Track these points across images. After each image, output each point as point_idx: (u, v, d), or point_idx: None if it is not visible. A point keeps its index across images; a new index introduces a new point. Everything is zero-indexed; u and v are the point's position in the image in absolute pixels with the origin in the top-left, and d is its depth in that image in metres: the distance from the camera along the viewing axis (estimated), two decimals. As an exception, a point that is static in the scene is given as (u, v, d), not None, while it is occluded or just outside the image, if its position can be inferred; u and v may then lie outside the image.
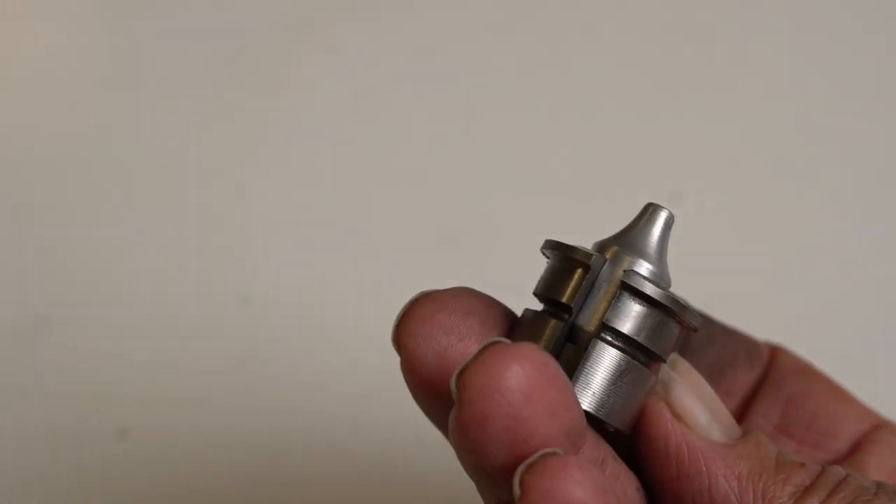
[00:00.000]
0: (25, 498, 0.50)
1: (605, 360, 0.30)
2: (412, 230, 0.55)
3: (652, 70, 0.58)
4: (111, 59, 0.58)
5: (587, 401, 0.30)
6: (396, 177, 0.56)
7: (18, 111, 0.57)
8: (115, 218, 0.55)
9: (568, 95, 0.57)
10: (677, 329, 0.31)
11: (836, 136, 0.57)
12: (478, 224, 0.55)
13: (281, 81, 0.57)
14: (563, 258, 0.31)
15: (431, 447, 0.51)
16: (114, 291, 0.53)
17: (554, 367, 0.27)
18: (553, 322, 0.30)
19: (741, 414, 0.36)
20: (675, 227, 0.31)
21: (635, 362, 0.30)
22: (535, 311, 0.31)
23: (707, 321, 0.36)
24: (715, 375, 0.36)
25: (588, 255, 0.30)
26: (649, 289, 0.30)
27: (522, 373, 0.27)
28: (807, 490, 0.30)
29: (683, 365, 0.31)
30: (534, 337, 0.30)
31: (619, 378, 0.30)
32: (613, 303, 0.30)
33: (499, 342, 0.27)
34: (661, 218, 0.31)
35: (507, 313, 0.31)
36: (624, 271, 0.30)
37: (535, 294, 0.31)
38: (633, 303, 0.30)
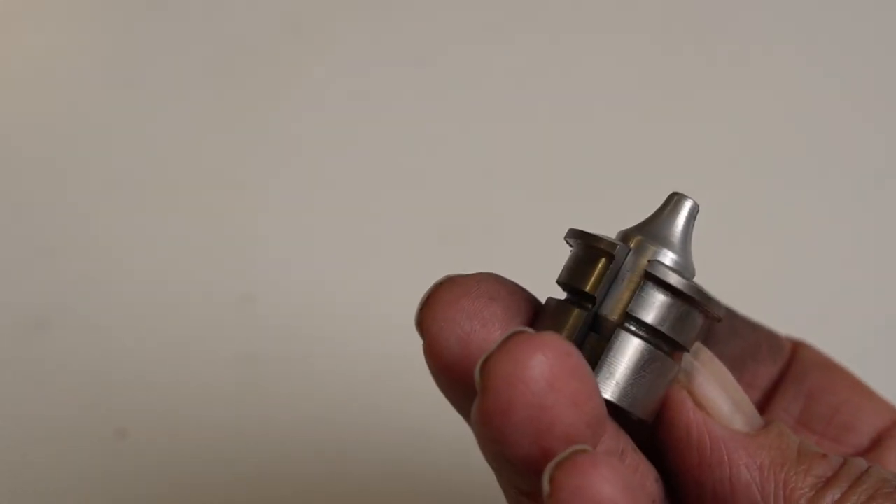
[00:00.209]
0: (25, 498, 0.50)
1: (629, 350, 0.30)
2: (413, 229, 0.55)
3: (653, 68, 0.58)
4: (111, 59, 0.58)
5: (610, 391, 0.30)
6: (397, 176, 0.56)
7: (18, 111, 0.57)
8: (115, 218, 0.55)
9: (569, 95, 0.57)
10: (701, 319, 0.31)
11: (840, 134, 0.57)
12: (478, 223, 0.55)
13: (282, 81, 0.57)
14: (587, 247, 0.31)
15: (432, 446, 0.51)
16: (114, 291, 0.53)
17: (577, 357, 0.28)
18: (576, 311, 0.30)
19: (762, 407, 0.36)
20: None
21: (658, 352, 0.30)
22: (559, 300, 0.31)
23: (730, 314, 0.36)
24: (737, 368, 0.36)
25: (612, 244, 0.30)
26: (673, 279, 0.30)
27: (546, 362, 0.27)
28: (828, 481, 0.30)
29: (706, 354, 0.31)
30: (557, 326, 0.30)
31: (642, 368, 0.30)
32: (637, 292, 0.30)
33: (523, 331, 0.27)
34: (686, 207, 0.31)
35: (531, 300, 0.31)
36: (648, 261, 0.30)
37: (559, 283, 0.31)
38: (657, 293, 0.30)
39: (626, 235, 0.31)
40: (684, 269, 0.31)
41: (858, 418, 0.35)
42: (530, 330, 0.28)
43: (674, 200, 0.31)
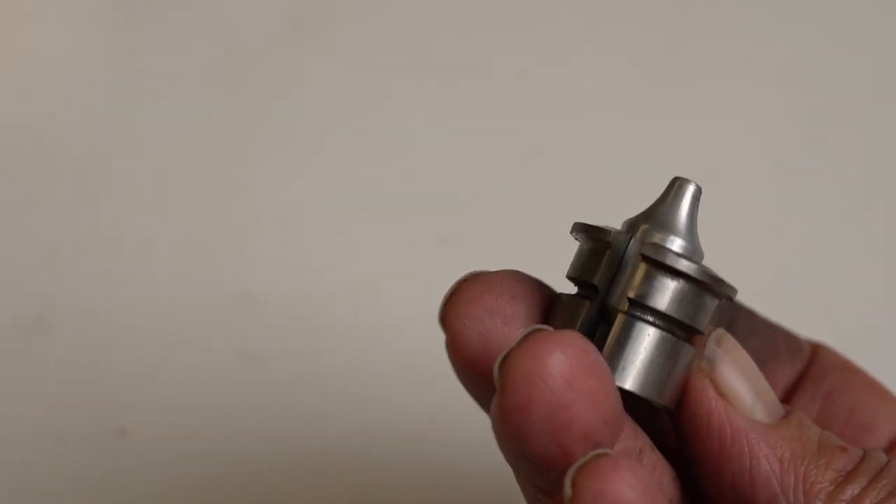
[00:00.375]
0: (25, 498, 0.50)
1: (635, 336, 0.30)
2: (412, 229, 0.55)
3: (654, 67, 0.58)
4: (110, 58, 0.58)
5: (620, 378, 0.30)
6: (397, 176, 0.56)
7: (18, 111, 0.57)
8: (115, 218, 0.55)
9: (570, 95, 0.57)
10: (709, 300, 0.31)
11: (845, 132, 0.57)
12: (479, 223, 0.55)
13: (281, 81, 0.57)
14: (588, 239, 0.31)
15: (433, 444, 0.51)
16: (114, 291, 0.53)
17: (595, 355, 0.28)
18: (584, 304, 0.31)
19: None
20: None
21: (668, 335, 0.30)
22: (569, 295, 0.31)
23: (750, 315, 0.37)
24: None
25: (608, 232, 0.30)
26: (670, 259, 0.30)
27: (565, 360, 0.27)
28: (848, 476, 0.30)
29: (729, 341, 0.31)
30: (566, 320, 0.31)
31: (651, 352, 0.30)
32: (637, 277, 0.30)
33: (542, 329, 0.28)
34: (689, 191, 0.31)
35: (554, 298, 0.31)
36: (643, 244, 0.30)
37: (567, 277, 0.32)
38: (657, 275, 0.30)
39: (631, 224, 0.31)
40: (692, 252, 0.31)
41: (876, 419, 0.35)
42: (549, 328, 0.28)
43: (676, 185, 0.31)
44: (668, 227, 0.31)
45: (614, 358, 0.30)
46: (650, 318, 0.30)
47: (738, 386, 0.30)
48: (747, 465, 0.29)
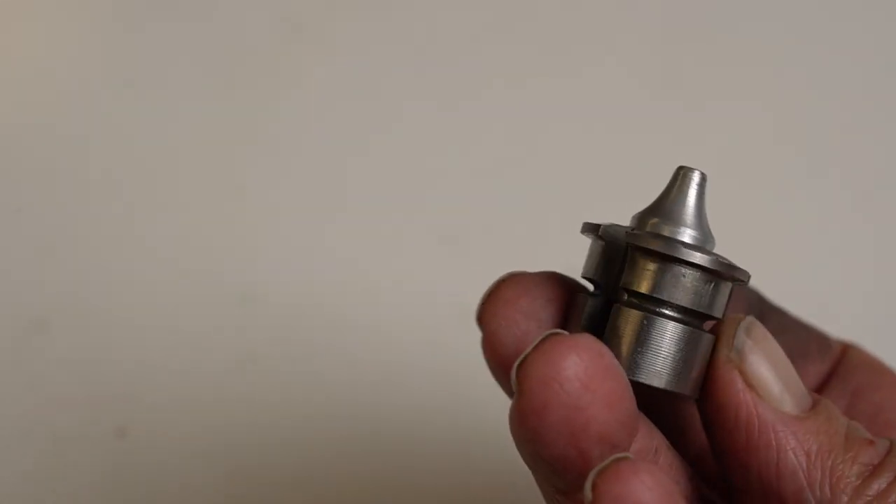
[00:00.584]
0: (25, 498, 0.50)
1: (632, 325, 0.30)
2: (412, 229, 0.55)
3: (654, 68, 0.58)
4: (110, 58, 0.58)
5: (636, 372, 0.30)
6: (396, 176, 0.56)
7: (18, 111, 0.57)
8: (115, 218, 0.55)
9: (571, 95, 0.57)
10: (724, 285, 0.31)
11: (845, 133, 0.57)
12: (479, 224, 0.55)
13: (281, 80, 0.57)
14: (599, 238, 0.31)
15: (432, 446, 0.51)
16: (114, 291, 0.53)
17: (609, 357, 0.28)
18: (589, 300, 0.31)
19: None
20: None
21: (681, 325, 0.30)
22: (582, 294, 0.31)
23: (780, 313, 0.37)
24: None
25: (597, 226, 0.31)
26: (655, 244, 0.30)
27: (580, 363, 0.28)
28: (875, 469, 0.30)
29: (759, 331, 0.31)
30: (574, 318, 0.31)
31: (655, 341, 0.30)
32: (629, 267, 0.30)
33: (557, 333, 0.28)
34: (694, 180, 0.31)
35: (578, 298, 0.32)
36: (626, 233, 0.30)
37: (582, 276, 0.32)
38: (647, 262, 0.30)
39: (640, 219, 0.31)
40: (703, 241, 0.31)
41: None
42: (564, 332, 0.28)
43: (681, 175, 0.31)
44: (677, 219, 0.31)
45: (632, 353, 0.30)
46: (648, 306, 0.30)
47: (766, 376, 0.30)
48: (774, 458, 0.29)
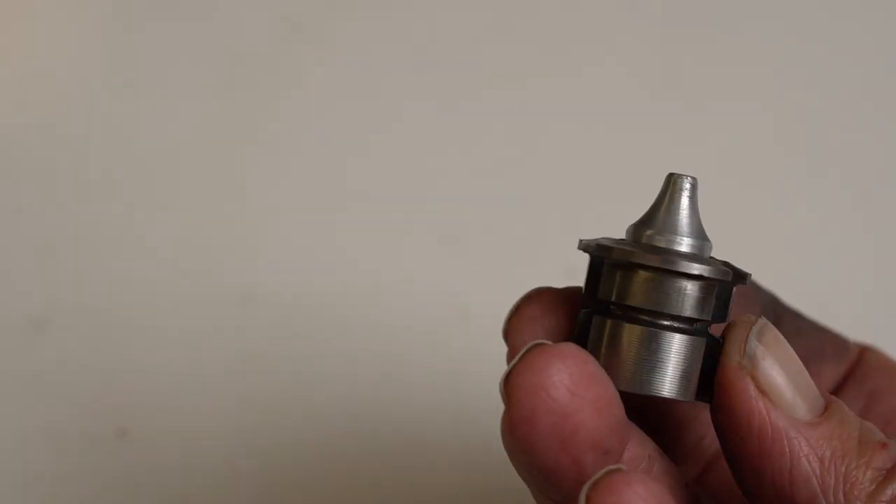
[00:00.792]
0: (25, 498, 0.50)
1: (613, 335, 0.30)
2: (412, 230, 0.55)
3: (654, 68, 0.58)
4: (110, 58, 0.58)
5: (615, 380, 0.30)
6: (396, 176, 0.56)
7: (18, 111, 0.57)
8: (115, 217, 0.55)
9: (571, 95, 0.57)
10: (715, 287, 0.31)
11: (846, 133, 0.57)
12: (478, 224, 0.55)
13: (281, 80, 0.57)
14: (593, 255, 0.31)
15: (433, 446, 0.51)
16: (114, 291, 0.53)
17: (594, 365, 0.29)
18: (581, 316, 0.31)
19: None
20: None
21: (650, 329, 0.30)
22: (582, 311, 0.32)
23: (796, 315, 0.37)
24: None
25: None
26: (616, 253, 0.30)
27: (565, 370, 0.28)
28: (888, 474, 0.30)
29: (770, 335, 0.31)
30: (579, 336, 0.31)
31: (637, 349, 0.30)
32: (607, 280, 0.31)
33: (542, 343, 0.29)
34: (686, 187, 0.31)
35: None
36: (596, 245, 0.31)
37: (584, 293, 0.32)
38: (615, 272, 0.31)
39: (635, 231, 0.31)
40: (700, 248, 0.31)
41: None
42: (549, 342, 0.29)
43: (671, 181, 0.31)
44: (672, 228, 0.31)
45: (632, 366, 0.30)
46: (630, 315, 0.30)
47: (779, 382, 0.30)
48: (787, 465, 0.29)
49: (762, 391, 0.30)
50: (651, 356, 0.30)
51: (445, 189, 0.56)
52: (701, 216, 0.31)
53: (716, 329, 0.31)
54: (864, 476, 0.29)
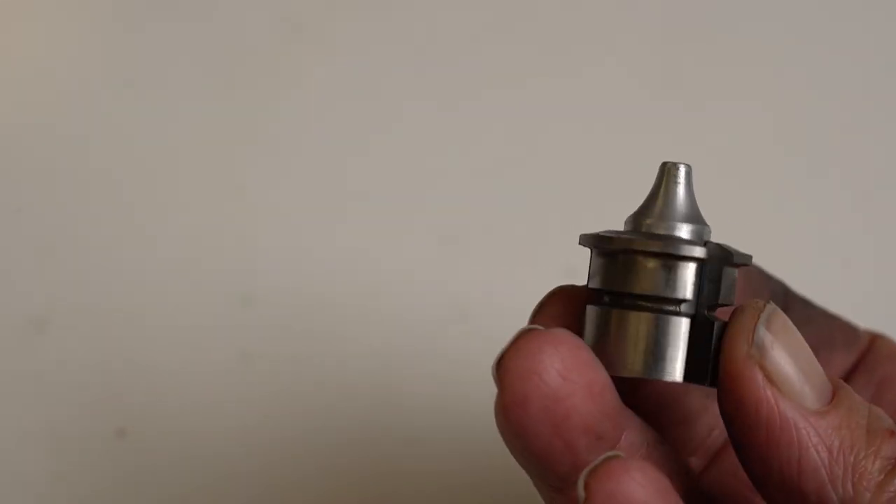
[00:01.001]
0: (25, 498, 0.50)
1: (596, 320, 0.31)
2: (412, 230, 0.55)
3: (654, 68, 0.58)
4: (110, 58, 0.58)
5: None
6: (397, 176, 0.56)
7: (18, 111, 0.57)
8: (115, 218, 0.55)
9: (571, 95, 0.57)
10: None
11: (846, 133, 0.57)
12: (478, 224, 0.55)
13: (281, 80, 0.57)
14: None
15: (432, 446, 0.51)
16: (114, 291, 0.53)
17: (587, 351, 0.29)
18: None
19: None
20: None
21: (622, 311, 0.30)
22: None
23: (805, 303, 0.37)
24: None
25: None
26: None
27: (557, 354, 0.28)
28: None
29: (779, 321, 0.30)
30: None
31: (613, 330, 0.30)
32: (594, 270, 0.31)
33: (533, 329, 0.29)
34: (681, 174, 0.31)
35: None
36: (581, 236, 0.31)
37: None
38: (597, 258, 0.31)
39: (634, 221, 0.31)
40: (700, 233, 0.31)
41: None
42: (540, 327, 0.29)
43: (667, 170, 0.32)
44: (670, 216, 0.31)
45: (615, 348, 0.30)
46: (609, 300, 0.31)
47: (787, 370, 0.30)
48: (796, 455, 0.29)
49: (770, 380, 0.29)
50: (629, 338, 0.30)
51: (445, 189, 0.56)
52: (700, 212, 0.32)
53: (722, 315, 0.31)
54: (873, 466, 0.29)
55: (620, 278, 0.30)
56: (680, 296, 0.30)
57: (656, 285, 0.30)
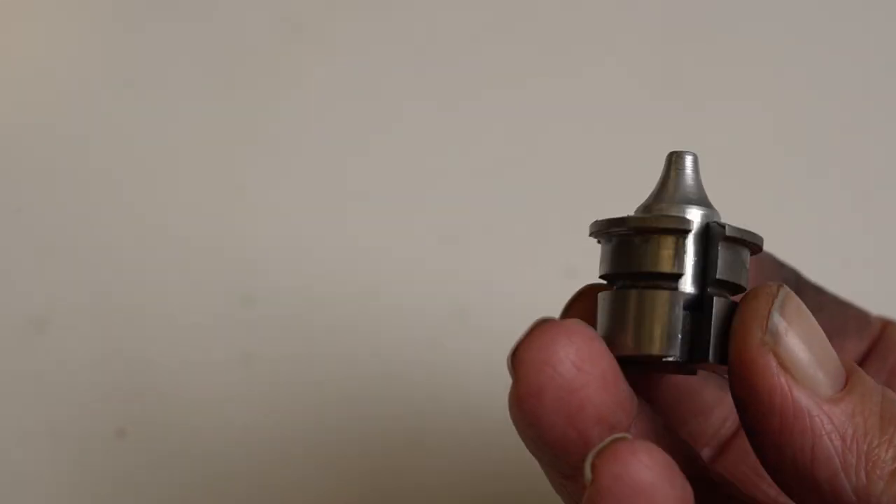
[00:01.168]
0: (25, 498, 0.50)
1: (599, 306, 0.31)
2: (412, 230, 0.55)
3: (654, 68, 0.58)
4: (110, 58, 0.58)
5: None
6: (397, 176, 0.56)
7: (18, 111, 0.57)
8: (115, 218, 0.55)
9: (571, 95, 0.57)
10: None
11: (847, 133, 0.57)
12: (478, 224, 0.55)
13: (281, 80, 0.57)
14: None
15: (432, 446, 0.51)
16: (114, 291, 0.53)
17: (600, 341, 0.29)
18: (616, 293, 0.31)
19: None
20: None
21: (619, 291, 0.31)
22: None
23: (817, 290, 0.37)
24: None
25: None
26: (595, 226, 0.31)
27: (571, 345, 0.28)
28: None
29: (793, 305, 0.30)
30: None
31: (614, 311, 0.31)
32: (602, 254, 0.31)
33: (547, 320, 0.29)
34: (688, 162, 0.32)
35: None
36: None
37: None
38: (604, 245, 0.31)
39: (646, 207, 0.32)
40: (710, 216, 0.31)
41: None
42: (554, 318, 0.29)
43: (674, 159, 0.32)
44: (682, 199, 0.31)
45: (616, 329, 0.31)
46: (615, 283, 0.31)
47: (801, 357, 0.30)
48: (809, 443, 0.29)
49: (784, 367, 0.29)
50: (626, 317, 0.30)
51: (445, 189, 0.56)
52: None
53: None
54: (887, 454, 0.29)
55: (615, 260, 0.31)
56: (676, 270, 0.31)
57: (646, 262, 0.31)
